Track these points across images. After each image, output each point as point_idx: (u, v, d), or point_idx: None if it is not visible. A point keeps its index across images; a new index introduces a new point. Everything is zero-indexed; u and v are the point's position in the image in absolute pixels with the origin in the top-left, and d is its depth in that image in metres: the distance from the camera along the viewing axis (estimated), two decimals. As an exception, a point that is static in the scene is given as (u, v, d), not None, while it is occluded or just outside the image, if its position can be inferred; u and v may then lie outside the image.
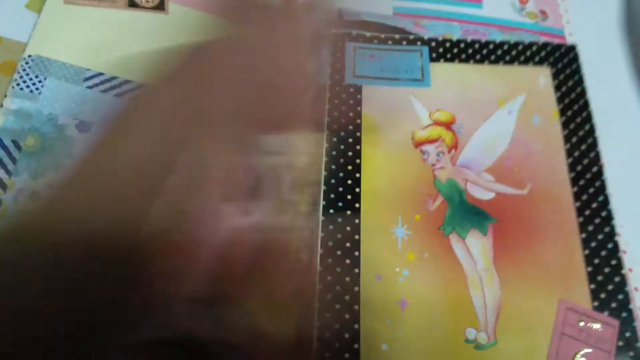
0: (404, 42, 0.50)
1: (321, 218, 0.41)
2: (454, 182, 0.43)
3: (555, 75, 0.48)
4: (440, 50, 0.49)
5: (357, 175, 0.43)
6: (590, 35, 0.51)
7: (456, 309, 0.38)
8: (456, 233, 0.41)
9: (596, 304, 0.39)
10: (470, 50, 0.49)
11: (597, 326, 0.38)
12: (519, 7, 0.53)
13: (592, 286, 0.39)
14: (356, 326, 0.38)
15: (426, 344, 0.37)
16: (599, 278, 0.40)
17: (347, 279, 0.39)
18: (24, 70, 0.44)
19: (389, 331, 0.37)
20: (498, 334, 0.38)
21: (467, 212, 0.42)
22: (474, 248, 0.41)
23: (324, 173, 0.43)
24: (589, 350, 0.37)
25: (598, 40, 0.52)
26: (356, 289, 0.39)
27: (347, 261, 0.40)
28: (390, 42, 0.50)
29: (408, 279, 0.39)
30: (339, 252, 0.40)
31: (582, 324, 0.38)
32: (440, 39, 0.50)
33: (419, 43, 0.50)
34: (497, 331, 0.38)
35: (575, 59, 0.49)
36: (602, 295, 0.39)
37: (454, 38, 0.50)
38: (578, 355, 0.37)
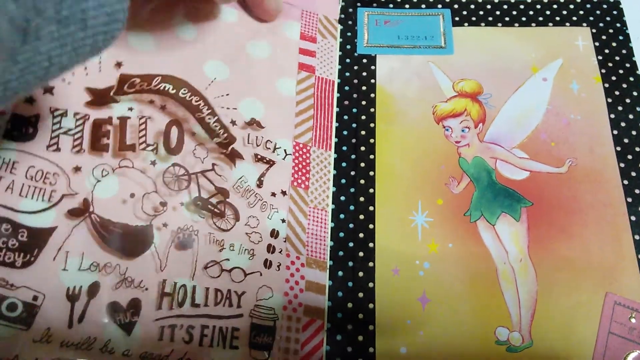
0: (423, 5, 0.45)
1: (331, 206, 0.37)
2: (482, 161, 0.38)
3: (596, 36, 0.42)
4: (464, 12, 0.44)
5: (372, 156, 0.39)
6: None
7: (485, 306, 0.34)
8: (484, 219, 0.36)
9: (650, 297, 0.34)
10: (497, 12, 0.44)
11: (651, 323, 0.33)
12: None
13: (645, 277, 0.34)
14: (371, 327, 0.34)
15: (451, 346, 0.33)
16: (653, 267, 0.35)
17: (361, 273, 0.35)
18: None
19: (409, 332, 0.33)
20: (534, 334, 0.33)
21: (497, 195, 0.37)
22: (506, 235, 0.36)
23: (333, 156, 0.38)
24: (642, 351, 0.33)
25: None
26: (371, 284, 0.35)
27: (361, 254, 0.36)
28: (407, 6, 0.45)
29: (429, 272, 0.35)
30: (351, 244, 0.36)
31: (633, 320, 0.33)
32: (463, 0, 0.45)
33: (439, 6, 0.44)
34: (533, 331, 0.33)
35: (619, 16, 0.43)
36: (657, 288, 0.34)
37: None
38: (629, 358, 0.32)
